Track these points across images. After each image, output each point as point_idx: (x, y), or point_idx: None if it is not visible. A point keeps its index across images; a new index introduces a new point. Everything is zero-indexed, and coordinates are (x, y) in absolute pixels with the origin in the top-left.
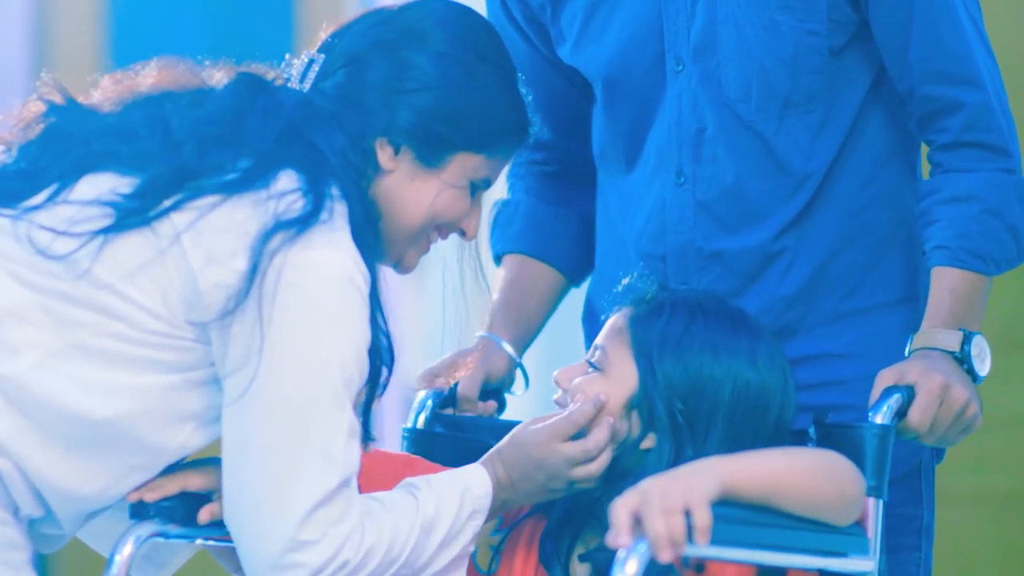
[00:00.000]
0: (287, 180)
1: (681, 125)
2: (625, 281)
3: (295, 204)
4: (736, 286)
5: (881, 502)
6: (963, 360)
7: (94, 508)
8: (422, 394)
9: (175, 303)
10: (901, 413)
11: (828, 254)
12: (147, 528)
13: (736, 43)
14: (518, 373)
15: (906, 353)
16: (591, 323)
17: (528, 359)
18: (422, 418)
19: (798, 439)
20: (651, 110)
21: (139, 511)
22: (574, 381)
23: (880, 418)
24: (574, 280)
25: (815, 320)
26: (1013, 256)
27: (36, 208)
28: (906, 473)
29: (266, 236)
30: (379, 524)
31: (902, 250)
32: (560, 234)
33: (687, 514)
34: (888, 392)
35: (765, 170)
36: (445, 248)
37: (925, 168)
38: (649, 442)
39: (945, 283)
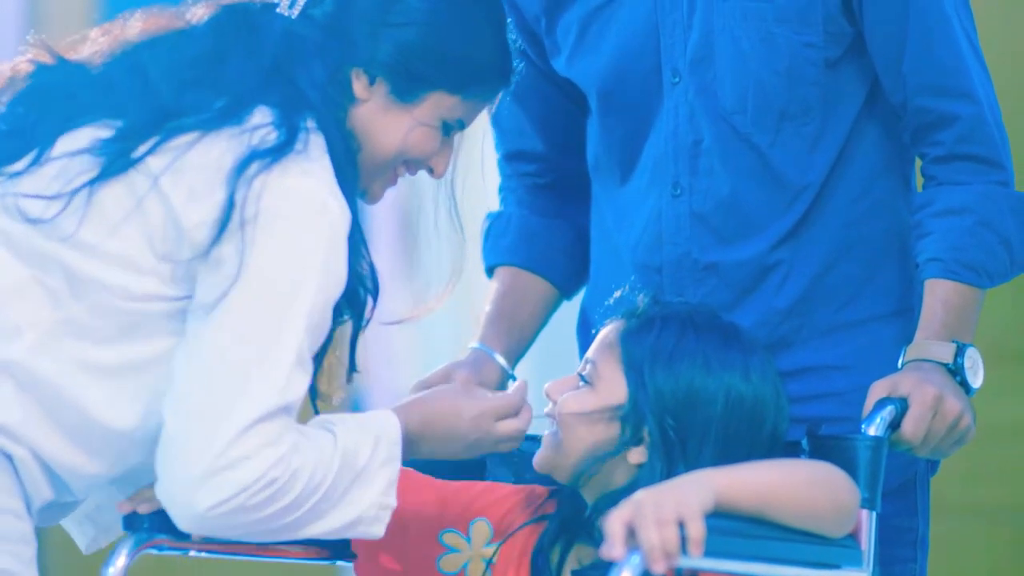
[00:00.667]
0: (261, 115)
1: (678, 137)
2: (617, 294)
3: (269, 136)
4: (732, 298)
5: (875, 514)
6: (956, 372)
7: (105, 480)
8: None
9: (161, 247)
10: (894, 425)
11: (824, 266)
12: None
13: (733, 55)
14: (511, 384)
15: (899, 365)
16: (585, 334)
17: (521, 370)
18: None
19: (791, 451)
20: (647, 122)
21: (132, 522)
22: (561, 396)
23: (873, 430)
24: (567, 293)
25: (810, 332)
26: (1006, 269)
27: (19, 174)
28: (901, 485)
29: (242, 166)
30: (304, 449)
31: (897, 262)
32: (553, 246)
33: (681, 526)
34: (881, 404)
35: (761, 182)
36: (421, 184)
37: (919, 183)
38: (639, 456)
39: (939, 295)
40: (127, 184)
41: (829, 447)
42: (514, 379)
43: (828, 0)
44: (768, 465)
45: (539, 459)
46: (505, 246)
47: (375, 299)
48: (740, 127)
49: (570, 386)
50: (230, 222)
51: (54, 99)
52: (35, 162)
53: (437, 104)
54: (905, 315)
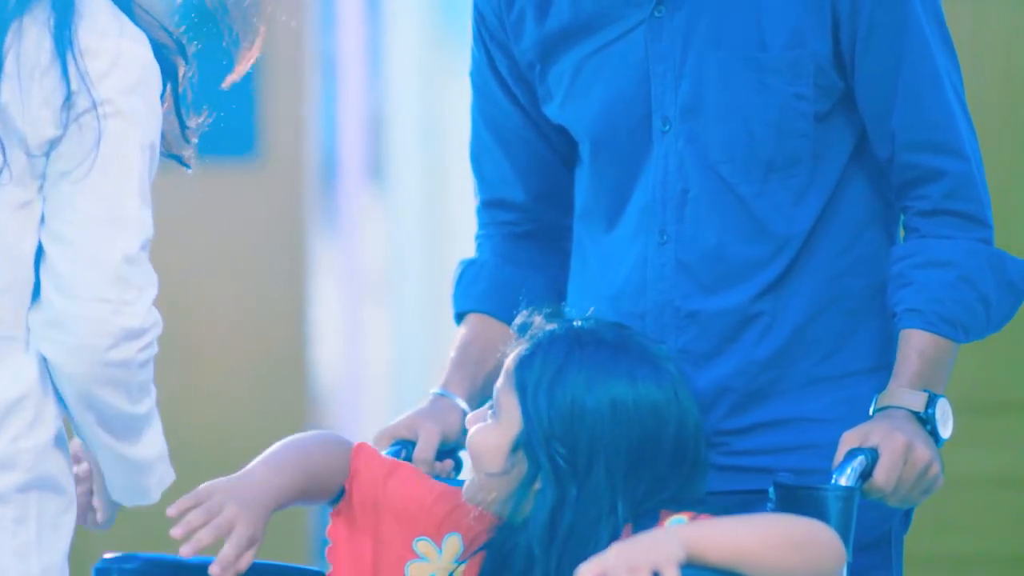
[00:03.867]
0: None
1: (666, 185)
2: (518, 320)
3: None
4: (712, 347)
5: (846, 565)
6: (927, 421)
7: None
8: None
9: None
10: (865, 475)
11: (806, 318)
12: None
13: (723, 105)
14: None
15: (871, 412)
16: None
17: None
18: None
19: (758, 500)
20: (636, 169)
21: (103, 575)
22: (471, 430)
23: (844, 480)
24: None
25: (789, 384)
26: (983, 326)
27: None
28: (876, 539)
29: (60, 58)
30: None
31: (878, 318)
32: (524, 296)
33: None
34: (852, 454)
35: (746, 232)
36: None
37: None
38: (539, 484)
39: (914, 345)
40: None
41: (799, 498)
42: None
43: (820, 53)
44: (747, 521)
45: (464, 494)
46: (476, 293)
47: (185, 59)
48: (727, 177)
49: (483, 417)
50: (70, 119)
51: None
52: None
53: None
54: (884, 370)
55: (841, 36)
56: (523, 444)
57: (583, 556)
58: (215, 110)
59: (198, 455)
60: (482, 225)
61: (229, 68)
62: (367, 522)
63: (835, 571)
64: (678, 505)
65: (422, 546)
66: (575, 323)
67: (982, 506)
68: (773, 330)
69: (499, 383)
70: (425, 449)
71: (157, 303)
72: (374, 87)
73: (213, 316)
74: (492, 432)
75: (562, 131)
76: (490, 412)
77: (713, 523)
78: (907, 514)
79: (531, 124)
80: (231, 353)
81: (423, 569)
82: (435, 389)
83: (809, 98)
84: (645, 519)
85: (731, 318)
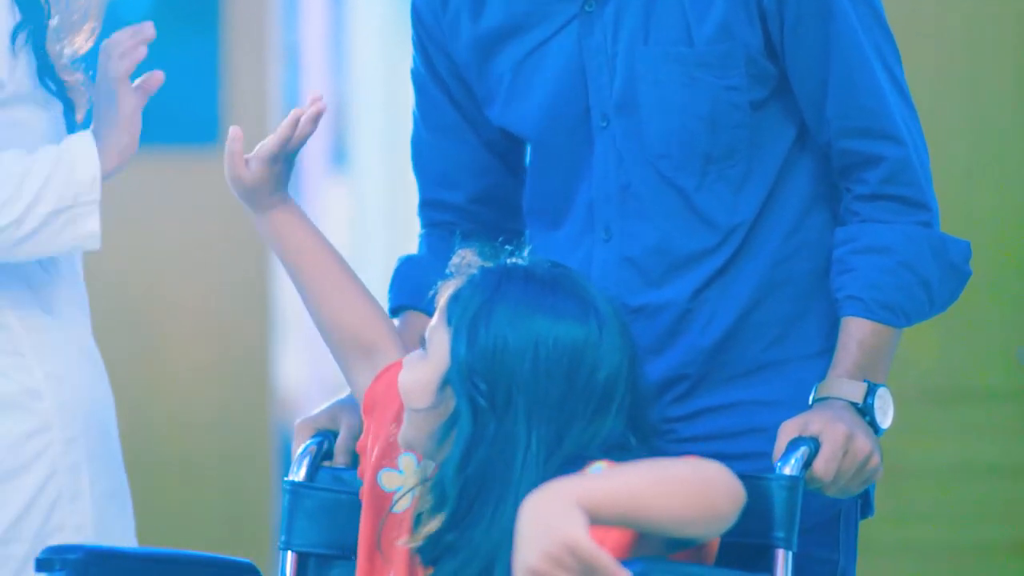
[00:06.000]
0: None
1: (607, 181)
2: (454, 260)
3: None
4: (658, 340)
5: (791, 553)
6: (865, 412)
7: None
8: (302, 446)
9: None
10: (808, 464)
11: (750, 304)
12: None
13: (655, 100)
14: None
15: (810, 401)
16: None
17: None
18: (303, 471)
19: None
20: (579, 166)
21: (45, 566)
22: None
23: (788, 469)
24: None
25: (736, 370)
26: (925, 309)
27: None
28: (827, 520)
29: None
30: None
31: (825, 301)
32: None
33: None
34: (795, 444)
35: (689, 225)
36: None
37: None
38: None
39: (854, 334)
40: None
41: (744, 486)
42: None
43: (750, 44)
44: (637, 465)
45: (399, 436)
46: (409, 289)
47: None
48: (665, 171)
49: (417, 356)
50: None
51: None
52: None
53: None
54: (831, 354)
55: (770, 27)
56: (450, 380)
57: (493, 497)
58: (177, 98)
59: (157, 442)
60: (422, 224)
61: (192, 56)
62: (382, 415)
63: (730, 511)
64: (604, 454)
65: (405, 461)
66: (509, 260)
67: (940, 494)
68: (717, 317)
69: (432, 321)
70: (346, 439)
71: (118, 290)
72: (337, 76)
73: (175, 305)
74: (421, 367)
75: (504, 133)
76: (422, 350)
77: (601, 475)
78: (867, 500)
79: (469, 125)
80: (193, 343)
81: (393, 480)
82: None
83: (742, 88)
84: (571, 469)
85: (676, 309)
